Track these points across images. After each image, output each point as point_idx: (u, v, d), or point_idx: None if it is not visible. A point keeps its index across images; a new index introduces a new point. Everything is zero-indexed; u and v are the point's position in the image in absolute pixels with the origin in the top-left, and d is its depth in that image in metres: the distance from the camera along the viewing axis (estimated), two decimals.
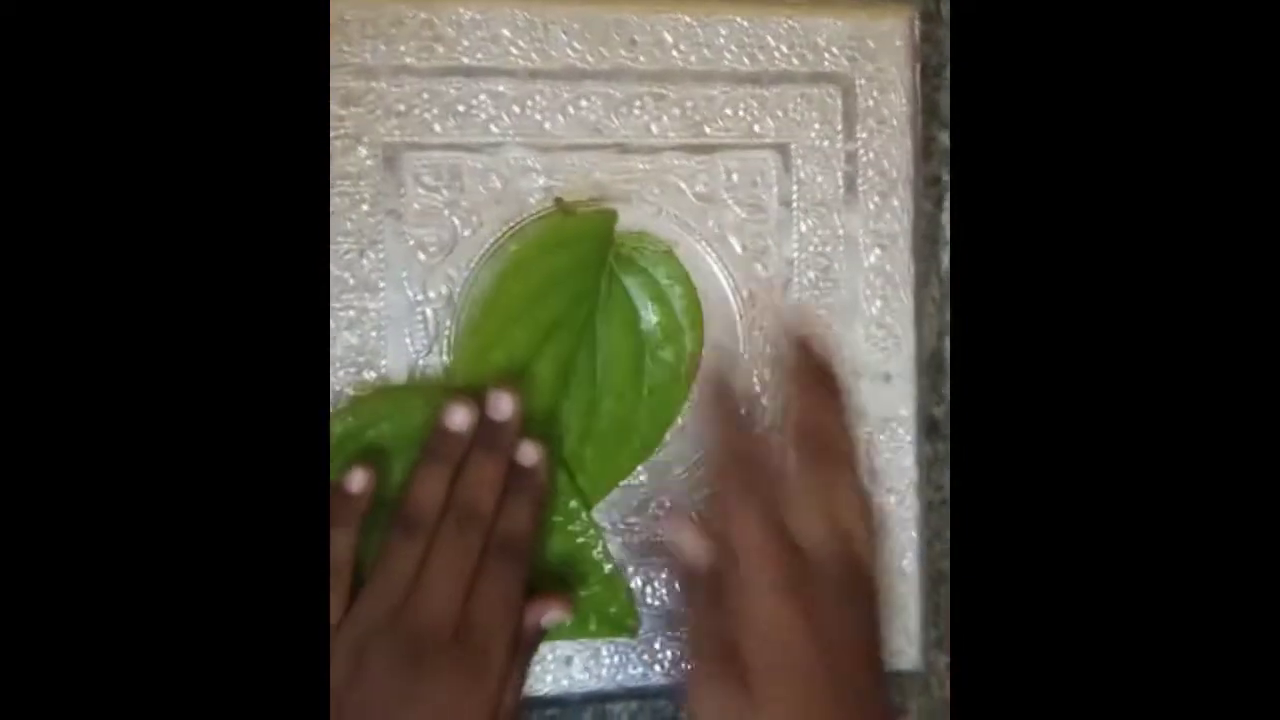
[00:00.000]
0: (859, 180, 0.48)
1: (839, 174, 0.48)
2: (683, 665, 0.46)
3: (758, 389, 0.47)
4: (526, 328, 0.44)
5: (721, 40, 0.47)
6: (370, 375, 0.44)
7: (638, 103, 0.46)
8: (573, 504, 0.44)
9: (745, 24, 0.47)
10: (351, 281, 0.44)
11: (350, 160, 0.44)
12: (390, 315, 0.44)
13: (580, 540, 0.44)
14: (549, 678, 0.45)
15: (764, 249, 0.47)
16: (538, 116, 0.45)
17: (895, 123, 0.48)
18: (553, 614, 0.42)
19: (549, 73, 0.45)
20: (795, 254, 0.48)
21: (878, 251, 0.48)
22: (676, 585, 0.45)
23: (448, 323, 0.45)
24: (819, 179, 0.48)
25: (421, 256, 0.45)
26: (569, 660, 0.45)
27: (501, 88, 0.45)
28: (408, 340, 0.45)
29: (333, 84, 0.44)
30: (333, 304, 0.44)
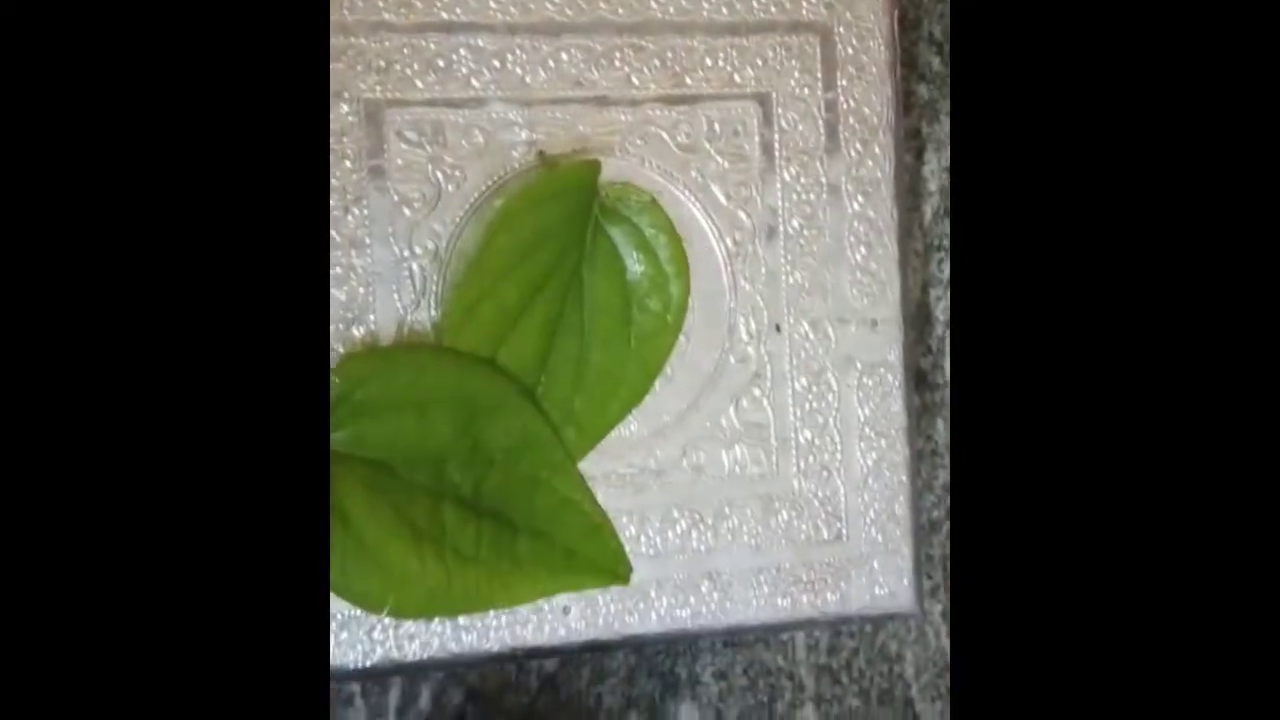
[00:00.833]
0: (840, 128, 0.48)
1: (820, 122, 0.48)
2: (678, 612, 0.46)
3: (745, 339, 0.48)
4: (514, 282, 0.44)
5: None
6: (359, 331, 0.44)
7: (618, 55, 0.46)
8: (558, 457, 0.44)
9: None
10: (338, 238, 0.44)
11: (332, 117, 0.44)
12: (377, 271, 0.44)
13: (567, 494, 0.44)
14: (546, 628, 0.45)
15: (747, 198, 0.48)
16: (518, 71, 0.45)
17: (874, 71, 0.49)
18: None
19: (529, 26, 0.45)
20: (779, 202, 0.48)
21: (860, 199, 0.49)
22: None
23: (435, 278, 0.45)
24: (800, 128, 0.48)
25: (406, 212, 0.45)
26: (566, 610, 0.46)
27: (481, 42, 0.45)
28: (395, 296, 0.45)
29: None
30: None
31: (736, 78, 0.47)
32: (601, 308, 0.45)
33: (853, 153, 0.48)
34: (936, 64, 0.55)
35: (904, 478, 0.49)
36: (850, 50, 0.48)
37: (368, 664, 0.44)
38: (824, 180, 0.48)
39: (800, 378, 0.48)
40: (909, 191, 0.53)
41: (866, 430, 0.49)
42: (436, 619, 0.44)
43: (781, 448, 0.48)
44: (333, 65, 0.44)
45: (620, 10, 0.46)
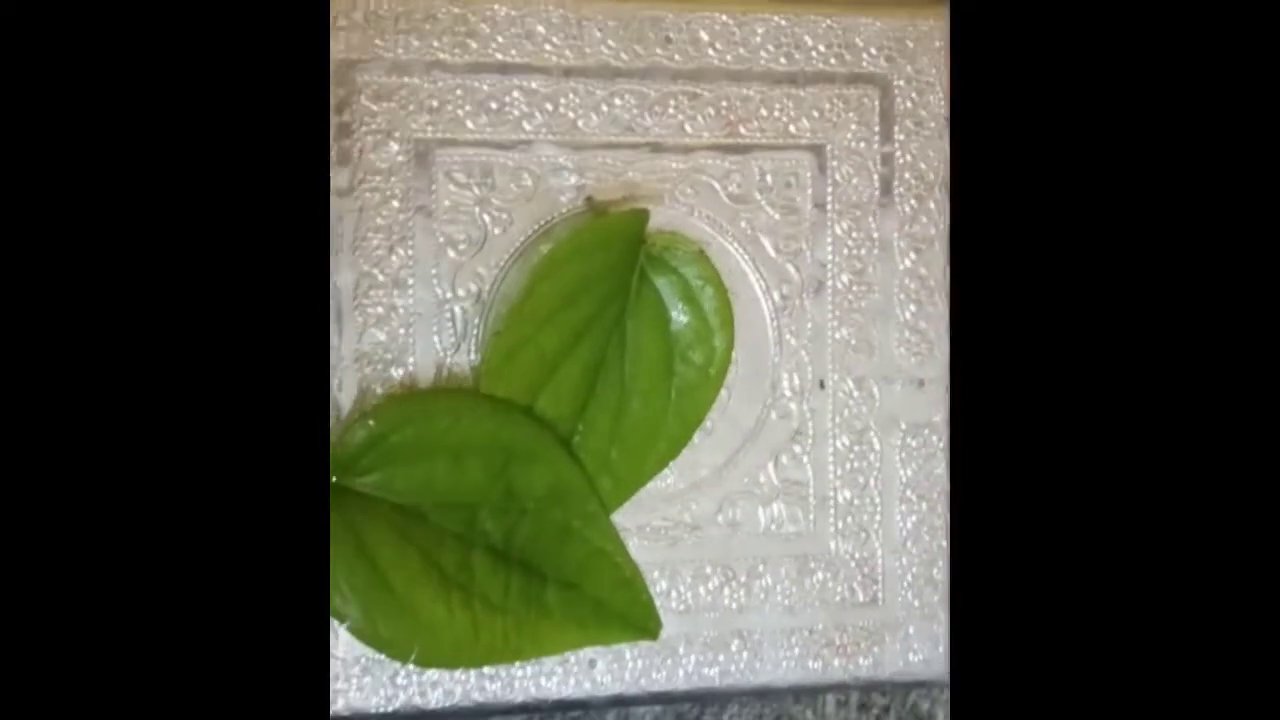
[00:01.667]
0: (895, 183, 0.47)
1: (875, 176, 0.47)
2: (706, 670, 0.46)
3: (787, 394, 0.47)
4: (556, 329, 0.44)
5: (758, 39, 0.46)
6: (398, 373, 0.44)
7: (672, 101, 0.46)
8: (591, 508, 0.44)
9: (782, 23, 0.46)
10: (380, 278, 0.44)
11: (381, 156, 0.44)
12: (419, 312, 0.44)
13: (600, 545, 0.44)
14: (572, 680, 0.45)
15: (797, 251, 0.47)
16: (570, 114, 0.45)
17: (933, 125, 0.48)
18: None
19: (583, 70, 0.45)
20: (829, 257, 0.47)
21: (913, 256, 0.48)
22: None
23: (476, 321, 0.45)
24: (854, 181, 0.47)
25: (451, 254, 0.44)
26: (593, 663, 0.45)
27: (535, 85, 0.45)
28: (436, 338, 0.44)
29: (365, 79, 0.43)
30: (361, 300, 0.44)
31: (792, 129, 0.47)
32: (643, 359, 0.44)
33: (907, 208, 0.47)
34: None
35: (943, 541, 0.48)
36: (909, 104, 0.47)
37: (390, 709, 0.43)
38: (875, 235, 0.47)
39: (842, 436, 0.47)
40: None
41: (908, 492, 0.48)
42: (460, 668, 0.44)
43: (820, 507, 0.47)
44: (385, 104, 0.44)
45: (676, 57, 0.46)
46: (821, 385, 0.47)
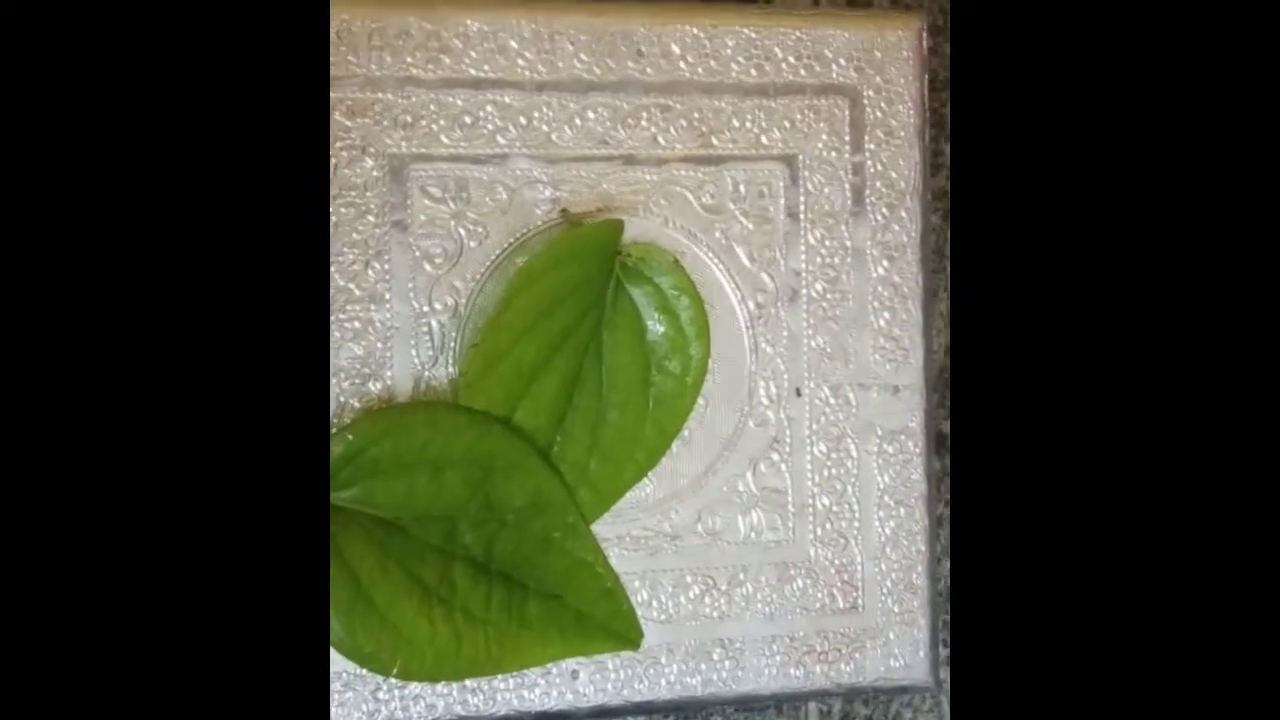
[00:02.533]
0: (867, 192, 0.48)
1: (846, 185, 0.48)
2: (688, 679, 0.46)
3: (764, 402, 0.47)
4: (533, 341, 0.44)
5: (729, 51, 0.47)
6: (375, 386, 0.44)
7: (645, 114, 0.46)
8: (571, 519, 0.44)
9: (753, 35, 0.47)
10: (357, 292, 0.44)
11: (356, 171, 0.44)
12: (396, 326, 0.44)
13: (580, 555, 0.44)
14: (555, 692, 0.45)
15: (771, 260, 0.47)
16: (544, 128, 0.45)
17: (903, 134, 0.48)
18: None
19: (556, 84, 0.45)
20: (803, 265, 0.47)
21: (885, 263, 0.48)
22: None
23: (454, 334, 0.45)
24: (826, 190, 0.48)
25: (427, 268, 0.45)
26: (575, 674, 0.45)
27: (508, 99, 0.45)
28: (413, 352, 0.44)
29: (339, 95, 0.44)
30: (339, 315, 0.44)
31: (764, 139, 0.47)
32: (620, 369, 0.45)
33: (879, 216, 0.48)
34: None
35: (922, 546, 0.48)
36: (879, 114, 0.48)
37: None
38: (849, 244, 0.48)
39: (820, 443, 0.47)
40: (935, 253, 0.53)
41: (885, 498, 0.48)
42: (443, 681, 0.44)
43: (799, 514, 0.47)
44: (359, 120, 0.44)
45: (648, 70, 0.46)
46: (798, 393, 0.47)
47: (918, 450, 0.48)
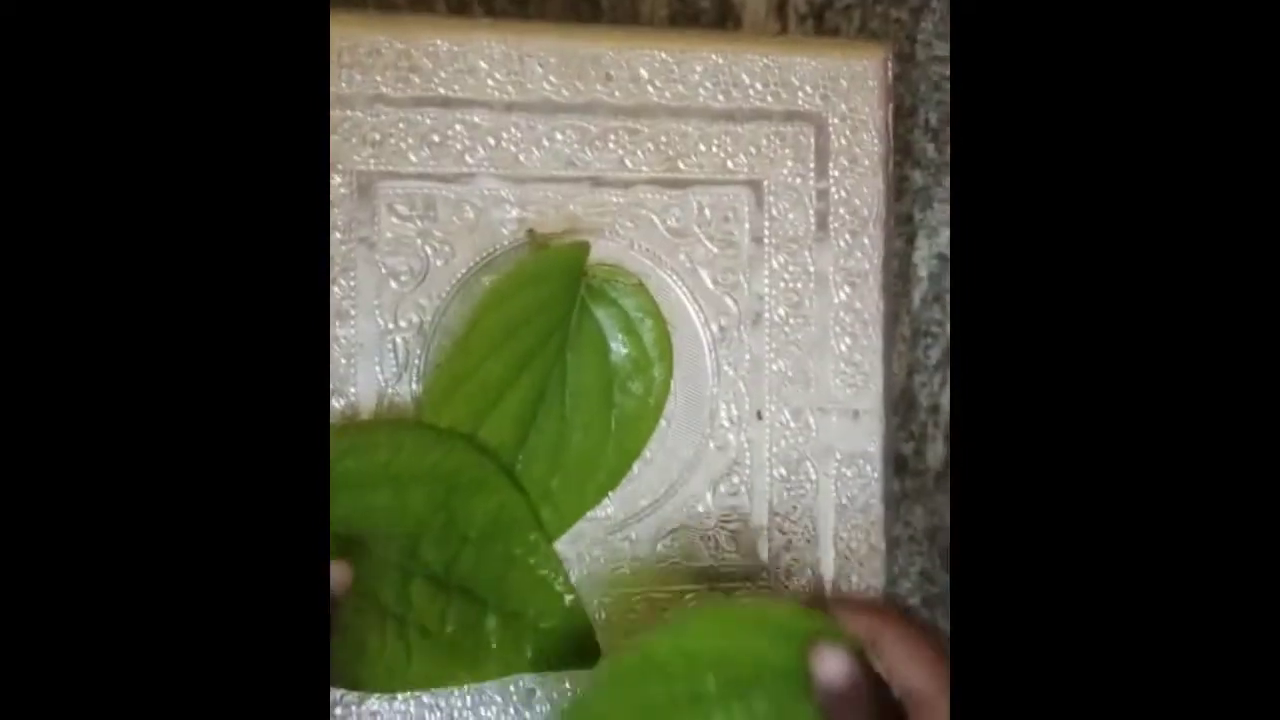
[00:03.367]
0: (830, 218, 0.48)
1: (811, 211, 0.48)
2: None
3: (725, 425, 0.48)
4: (498, 360, 0.44)
5: (696, 77, 0.47)
6: (339, 403, 0.44)
7: (612, 137, 0.46)
8: (533, 536, 0.44)
9: (720, 61, 0.47)
10: None
11: None
12: (360, 343, 0.45)
13: (541, 572, 0.44)
14: (511, 710, 0.45)
15: (734, 284, 0.48)
16: (512, 148, 0.46)
17: (867, 162, 0.49)
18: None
19: (524, 105, 0.46)
20: (766, 289, 0.48)
21: (847, 289, 0.49)
22: None
23: (418, 352, 0.45)
24: (791, 216, 0.48)
25: (393, 285, 0.45)
26: (532, 693, 0.45)
27: (477, 119, 0.45)
28: (378, 369, 0.45)
29: None
30: None
31: (730, 164, 0.48)
32: (583, 389, 0.45)
33: (842, 243, 0.49)
34: (931, 151, 0.55)
35: (877, 565, 0.49)
36: (844, 142, 0.49)
37: None
38: (812, 269, 0.48)
39: (779, 466, 0.48)
40: (898, 277, 0.54)
41: (843, 520, 0.48)
42: (400, 698, 0.44)
43: (758, 535, 0.48)
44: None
45: (617, 93, 0.46)
46: (759, 416, 0.48)
47: (875, 474, 0.49)
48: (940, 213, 0.55)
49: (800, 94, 0.48)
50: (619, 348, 0.45)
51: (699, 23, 0.52)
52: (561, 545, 0.45)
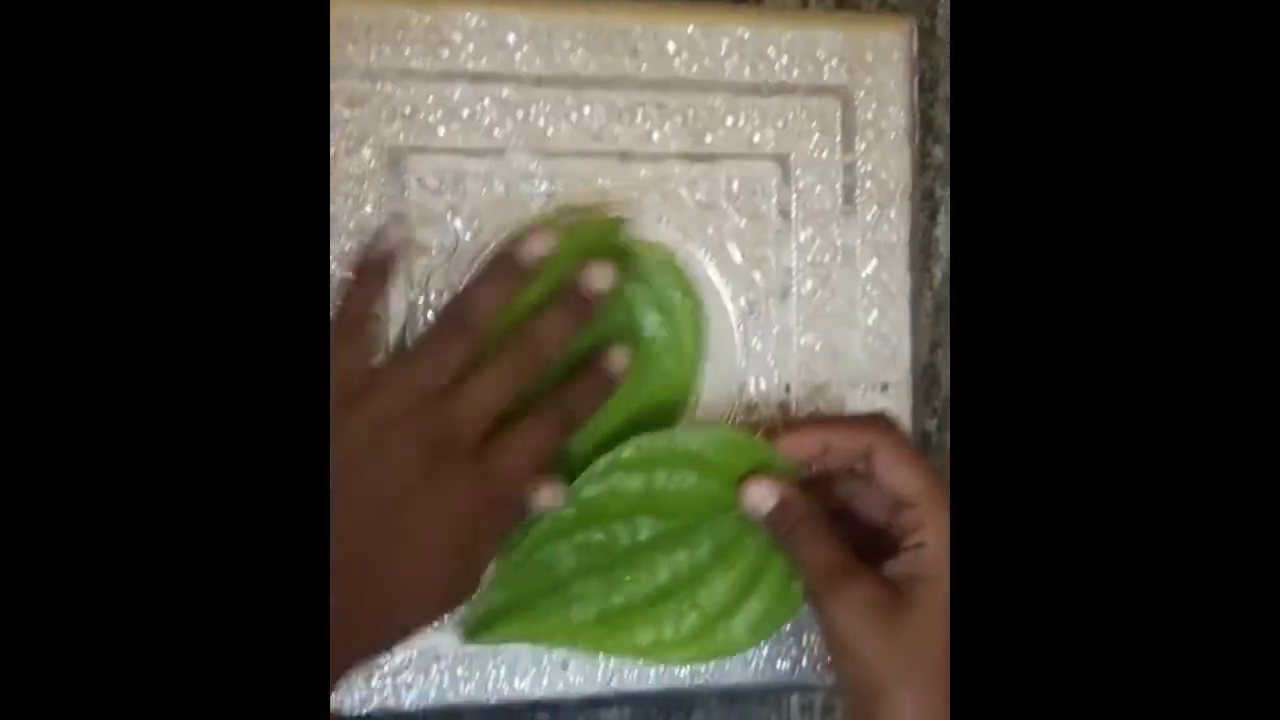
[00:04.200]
0: (857, 191, 0.49)
1: (837, 185, 0.48)
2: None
3: (754, 398, 0.48)
4: None
5: (723, 51, 0.47)
6: None
7: (640, 110, 0.46)
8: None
9: (746, 35, 0.47)
10: None
11: (354, 162, 0.44)
12: (390, 316, 0.45)
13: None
14: (544, 680, 0.45)
15: (762, 258, 0.48)
16: (541, 122, 0.46)
17: (893, 135, 0.49)
18: (547, 496, 0.41)
19: (553, 79, 0.46)
20: (794, 263, 0.48)
21: (874, 262, 0.49)
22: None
23: None
24: (818, 189, 0.48)
25: (423, 259, 0.45)
26: (565, 664, 0.45)
27: (505, 93, 0.45)
28: (407, 342, 0.45)
29: (338, 86, 0.44)
30: (335, 305, 0.44)
31: (756, 138, 0.48)
32: None
33: (869, 216, 0.49)
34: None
35: None
36: (870, 115, 0.49)
37: (364, 711, 0.43)
38: (839, 243, 0.48)
39: None
40: (922, 252, 0.54)
41: None
42: (434, 668, 0.44)
43: None
44: (357, 111, 0.44)
45: (644, 67, 0.46)
46: (788, 390, 0.48)
47: None
48: None
49: (826, 68, 0.48)
50: (650, 323, 0.45)
51: None
52: None
